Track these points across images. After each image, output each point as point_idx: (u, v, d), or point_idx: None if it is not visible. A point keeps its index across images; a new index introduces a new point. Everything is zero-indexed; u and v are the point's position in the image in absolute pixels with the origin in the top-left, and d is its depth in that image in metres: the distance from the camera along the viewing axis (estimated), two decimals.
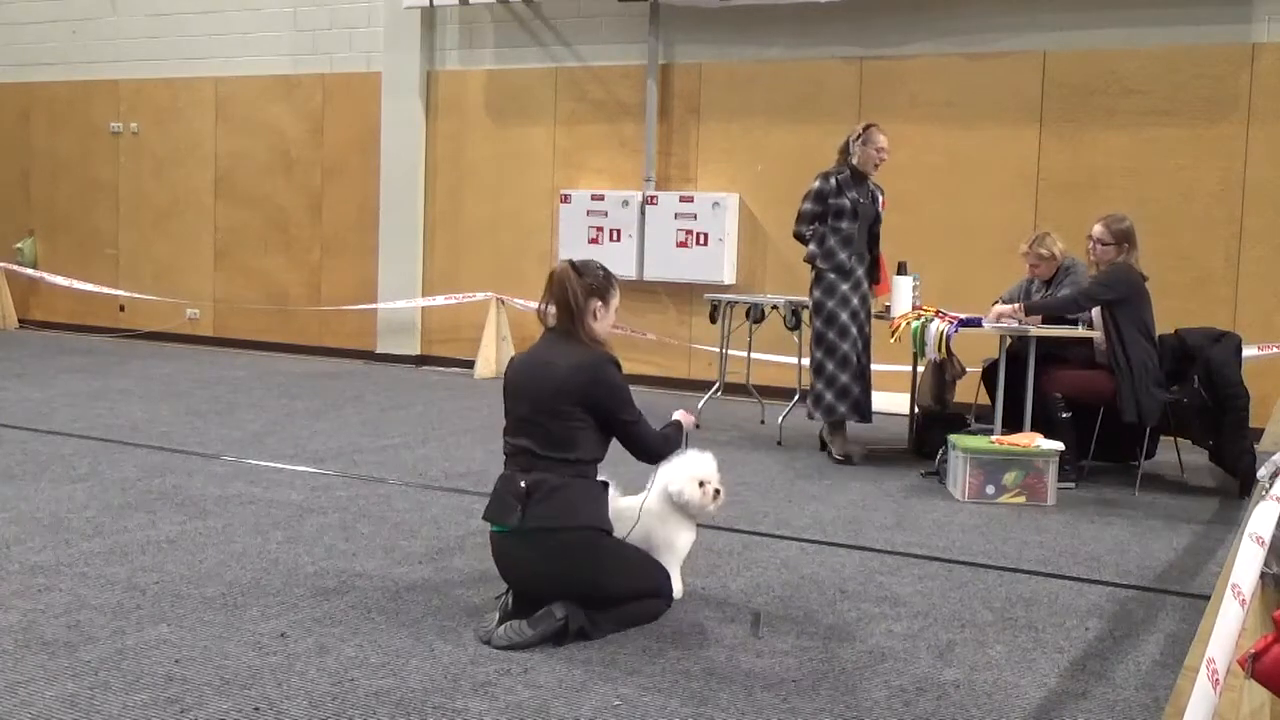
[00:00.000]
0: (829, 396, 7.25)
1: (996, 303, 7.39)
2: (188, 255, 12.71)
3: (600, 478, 4.26)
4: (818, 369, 7.31)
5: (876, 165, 7.27)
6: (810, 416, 7.45)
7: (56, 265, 13.34)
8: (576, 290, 4.20)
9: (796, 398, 8.29)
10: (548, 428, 4.12)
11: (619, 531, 4.30)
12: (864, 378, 7.30)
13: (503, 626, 3.99)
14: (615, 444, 4.31)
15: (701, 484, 4.40)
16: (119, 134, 13.04)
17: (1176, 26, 8.68)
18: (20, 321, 13.59)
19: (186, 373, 10.54)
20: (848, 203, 7.20)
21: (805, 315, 7.82)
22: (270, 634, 4.03)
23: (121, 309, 13.09)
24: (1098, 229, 6.86)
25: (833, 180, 7.25)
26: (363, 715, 3.40)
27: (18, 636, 3.93)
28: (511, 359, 4.48)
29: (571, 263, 4.30)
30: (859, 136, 7.23)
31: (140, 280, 12.90)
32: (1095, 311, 6.87)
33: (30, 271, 13.36)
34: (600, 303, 4.26)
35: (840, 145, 7.36)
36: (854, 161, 7.24)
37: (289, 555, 4.98)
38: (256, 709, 3.42)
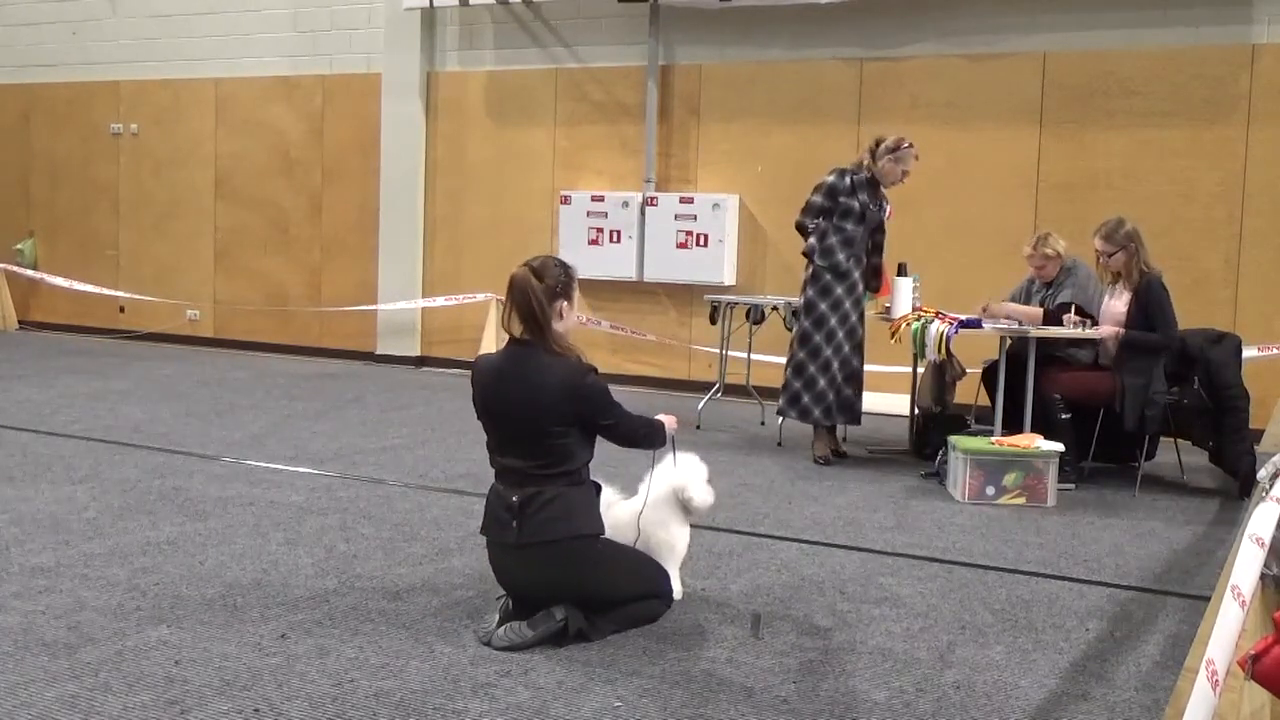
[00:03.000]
0: (806, 399, 7.23)
1: (993, 301, 7.39)
2: (188, 256, 12.71)
3: (594, 478, 4.24)
4: (798, 369, 7.27)
5: (897, 182, 7.23)
6: (781, 414, 7.44)
7: (57, 266, 13.34)
8: (539, 297, 4.04)
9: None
10: (535, 447, 4.06)
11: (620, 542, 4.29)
12: (855, 379, 7.27)
13: (503, 628, 3.99)
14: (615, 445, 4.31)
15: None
16: (119, 135, 13.04)
17: (1176, 28, 8.69)
18: (20, 323, 13.59)
19: (186, 374, 10.55)
20: (857, 205, 7.14)
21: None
22: (270, 635, 4.03)
23: (121, 310, 13.09)
24: (1098, 243, 6.84)
25: (848, 179, 7.17)
26: (363, 716, 3.41)
27: (18, 638, 3.93)
28: (476, 367, 4.26)
29: (530, 267, 4.10)
30: (892, 150, 7.12)
31: (140, 281, 12.90)
32: (1115, 313, 6.83)
33: (30, 273, 13.35)
34: (564, 302, 4.13)
35: (870, 145, 7.25)
36: (878, 168, 7.18)
37: (289, 556, 4.98)
38: (257, 710, 3.42)
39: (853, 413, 7.30)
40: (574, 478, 4.11)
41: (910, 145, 7.19)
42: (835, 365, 7.20)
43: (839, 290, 7.20)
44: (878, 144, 7.23)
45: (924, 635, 4.25)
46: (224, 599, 4.40)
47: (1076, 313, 6.91)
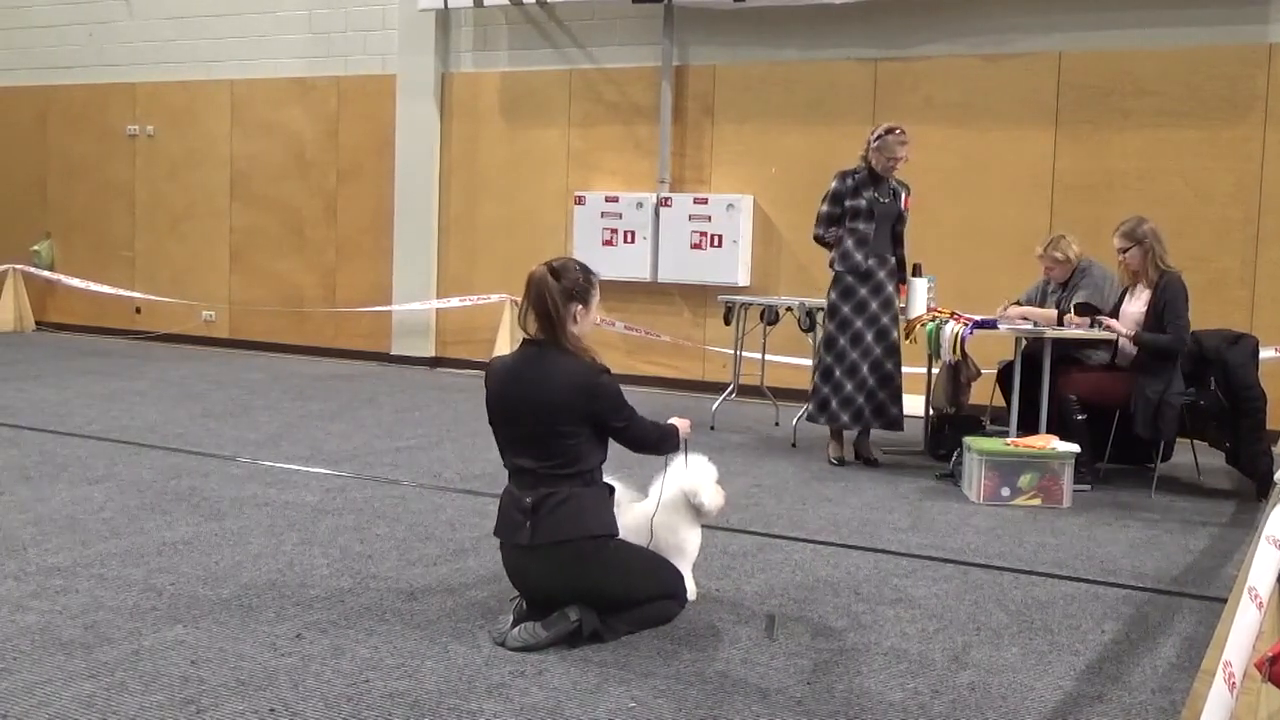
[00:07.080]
0: (834, 404, 7.16)
1: (1010, 304, 7.38)
2: (203, 257, 12.76)
3: (606, 480, 4.24)
4: (825, 374, 7.20)
5: (889, 170, 7.20)
6: (811, 419, 7.40)
7: (73, 268, 13.40)
8: (555, 297, 4.03)
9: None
10: (548, 447, 4.05)
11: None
12: (890, 383, 7.14)
13: (517, 628, 4.00)
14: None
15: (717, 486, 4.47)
16: (135, 137, 13.10)
17: (1192, 27, 8.65)
18: (37, 323, 13.66)
19: (202, 374, 10.58)
20: (864, 203, 7.11)
21: (819, 316, 7.74)
22: (285, 635, 4.04)
23: (138, 311, 13.14)
24: (1117, 240, 6.83)
25: (849, 180, 7.17)
26: (378, 716, 3.41)
27: (35, 637, 3.94)
28: (490, 368, 4.26)
29: (549, 266, 4.10)
30: (877, 139, 7.09)
31: (156, 282, 12.96)
32: (1133, 314, 6.80)
33: (47, 274, 13.42)
34: (580, 305, 4.11)
35: (865, 140, 7.24)
36: (870, 161, 7.19)
37: (304, 557, 5.00)
38: (272, 710, 3.43)
39: (888, 418, 7.16)
40: (587, 478, 4.11)
41: (896, 132, 7.07)
42: (865, 369, 7.09)
43: (863, 291, 7.13)
44: (868, 138, 7.21)
45: (939, 636, 4.24)
46: (239, 599, 4.42)
47: (1081, 312, 6.86)
